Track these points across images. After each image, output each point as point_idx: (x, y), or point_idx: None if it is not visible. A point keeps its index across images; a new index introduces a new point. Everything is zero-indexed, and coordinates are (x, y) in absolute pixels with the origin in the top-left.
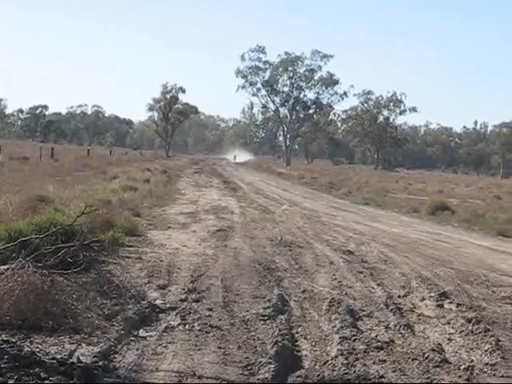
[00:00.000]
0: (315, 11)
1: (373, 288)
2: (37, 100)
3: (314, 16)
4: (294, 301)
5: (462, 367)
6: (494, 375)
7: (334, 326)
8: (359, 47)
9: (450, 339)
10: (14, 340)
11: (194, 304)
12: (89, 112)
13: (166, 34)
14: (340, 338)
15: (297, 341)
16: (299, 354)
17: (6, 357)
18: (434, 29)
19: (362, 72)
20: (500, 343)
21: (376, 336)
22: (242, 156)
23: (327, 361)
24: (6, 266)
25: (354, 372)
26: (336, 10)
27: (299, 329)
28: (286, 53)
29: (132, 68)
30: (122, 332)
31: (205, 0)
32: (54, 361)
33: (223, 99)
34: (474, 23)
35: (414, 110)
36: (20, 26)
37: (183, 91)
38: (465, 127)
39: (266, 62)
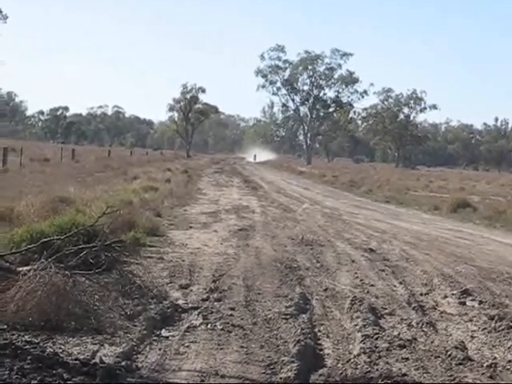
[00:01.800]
0: (335, 10)
1: (395, 286)
2: (57, 101)
3: (334, 15)
4: (316, 299)
5: (484, 364)
6: None
7: (356, 325)
8: (380, 45)
9: (472, 336)
10: (36, 341)
11: (215, 303)
12: (109, 113)
13: (186, 35)
14: (362, 336)
15: (319, 339)
16: (321, 352)
17: (29, 357)
18: (456, 26)
19: (382, 70)
20: None
21: (398, 334)
22: (263, 155)
23: (350, 359)
24: (28, 267)
25: (377, 370)
26: (358, 8)
27: (321, 327)
28: (306, 51)
29: (152, 68)
30: (145, 332)
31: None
32: (77, 361)
33: (243, 99)
34: (496, 22)
35: (434, 107)
36: (43, 28)
37: (203, 91)
38: (485, 124)
39: (285, 61)
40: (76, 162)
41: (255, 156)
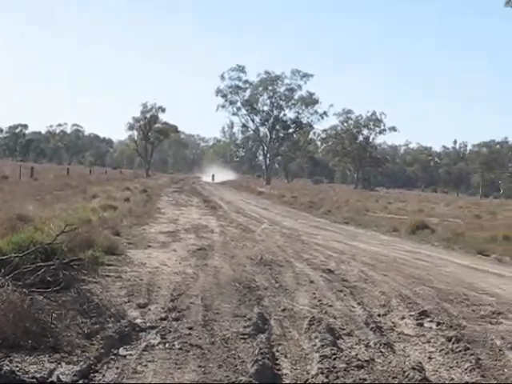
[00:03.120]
0: (296, 31)
1: (353, 307)
2: (16, 119)
3: (296, 36)
4: (275, 319)
5: None
6: None
7: (315, 345)
8: (339, 66)
9: (430, 358)
10: None
11: (174, 323)
12: (68, 131)
13: (146, 54)
14: (320, 356)
15: (277, 359)
16: (279, 372)
17: None
18: (414, 47)
19: (342, 91)
20: (480, 361)
21: (356, 354)
22: (222, 175)
23: (307, 379)
24: None
25: None
26: (317, 31)
27: (279, 347)
28: (266, 72)
29: (112, 87)
30: (102, 351)
31: (185, 19)
32: (34, 380)
33: (203, 118)
34: (451, 43)
35: (393, 129)
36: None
37: (163, 110)
38: (444, 147)
39: (245, 82)
40: (35, 180)
41: (213, 176)
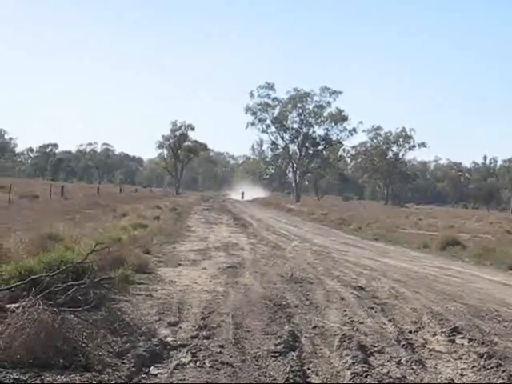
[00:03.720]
0: (322, 47)
1: (384, 324)
2: (47, 139)
3: (322, 53)
4: (305, 337)
5: None
6: None
7: (346, 362)
8: (368, 83)
9: (461, 374)
10: (24, 378)
11: (204, 341)
12: (98, 150)
13: (176, 73)
14: (351, 373)
15: (308, 377)
16: None
17: None
18: (445, 63)
19: (371, 108)
20: None
21: (388, 372)
22: (252, 193)
23: None
24: (16, 304)
25: None
26: (343, 46)
27: (310, 365)
28: (295, 89)
29: (142, 106)
30: (133, 369)
31: (210, 38)
32: None
33: (233, 136)
34: (485, 57)
35: (423, 145)
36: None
37: (192, 128)
38: (474, 162)
39: (275, 99)
40: (65, 199)
41: (243, 193)
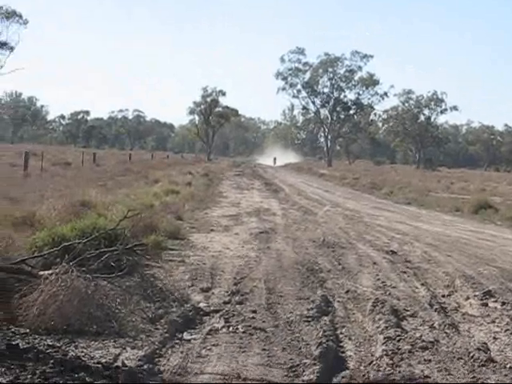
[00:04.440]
0: (354, 11)
1: (416, 288)
2: (79, 105)
3: (353, 16)
4: (338, 302)
5: (508, 366)
6: None
7: (379, 327)
8: (400, 46)
9: (495, 338)
10: (58, 345)
11: (237, 306)
12: (130, 116)
13: (206, 39)
14: (384, 338)
15: (341, 341)
16: (344, 354)
17: (51, 361)
18: (474, 27)
19: (403, 71)
20: None
21: (421, 336)
22: (284, 158)
23: (372, 361)
24: (50, 271)
25: (399, 372)
26: (378, 10)
27: (343, 329)
28: (326, 54)
29: (173, 72)
30: (167, 335)
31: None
32: (99, 365)
33: (264, 101)
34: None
35: (455, 108)
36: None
37: (223, 94)
38: (506, 125)
39: (305, 64)
40: (97, 166)
41: (275, 159)
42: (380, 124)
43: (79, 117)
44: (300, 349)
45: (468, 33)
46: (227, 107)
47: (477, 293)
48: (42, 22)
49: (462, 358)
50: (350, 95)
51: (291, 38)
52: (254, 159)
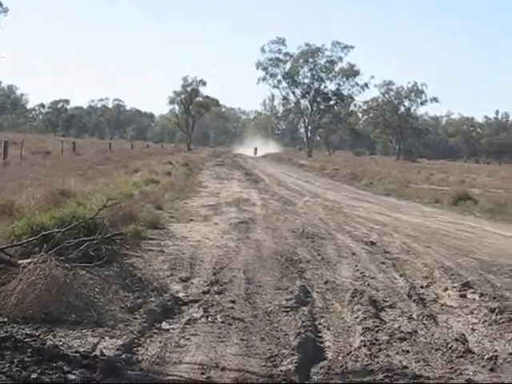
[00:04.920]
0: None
1: (395, 279)
2: (58, 94)
3: (334, 6)
4: (317, 292)
5: (485, 357)
6: None
7: (357, 317)
8: (380, 37)
9: (473, 329)
10: (37, 333)
11: (216, 296)
12: (110, 106)
13: (186, 27)
14: (363, 328)
15: (320, 332)
16: (322, 345)
17: (29, 350)
18: (457, 18)
19: (383, 62)
20: None
21: (399, 327)
22: (264, 148)
23: (350, 352)
24: (28, 260)
25: (377, 363)
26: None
27: (322, 320)
28: (307, 44)
29: (153, 61)
30: (145, 325)
31: None
32: (77, 354)
33: (244, 91)
34: (499, 16)
35: (435, 100)
36: (43, 23)
37: (204, 84)
38: (486, 117)
39: (286, 54)
40: (77, 155)
41: (256, 149)
42: (360, 115)
43: (59, 105)
44: (278, 339)
45: (448, 25)
46: (207, 97)
47: (455, 284)
48: (20, 5)
49: (440, 349)
50: (331, 86)
51: (272, 28)
52: (235, 149)
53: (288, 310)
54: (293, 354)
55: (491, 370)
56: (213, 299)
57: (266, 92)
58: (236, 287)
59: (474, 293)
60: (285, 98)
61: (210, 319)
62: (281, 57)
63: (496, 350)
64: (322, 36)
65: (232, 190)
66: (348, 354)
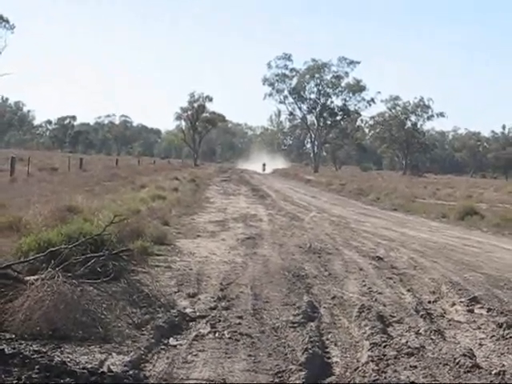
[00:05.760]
0: (341, 18)
1: (402, 294)
2: (65, 111)
3: (340, 23)
4: (324, 307)
5: (493, 372)
6: None
7: (364, 333)
8: (387, 53)
9: (480, 344)
10: (44, 350)
11: (223, 312)
12: (117, 122)
13: (191, 44)
14: (370, 344)
15: (327, 347)
16: (330, 360)
17: (36, 367)
18: (462, 34)
19: (389, 77)
20: None
21: (406, 342)
22: (271, 163)
23: (358, 367)
24: (36, 277)
25: (385, 378)
26: (360, 14)
27: (329, 335)
28: (313, 59)
29: (160, 77)
30: (153, 341)
31: (226, 7)
32: (85, 370)
33: (251, 107)
34: (505, 30)
35: (441, 115)
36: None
37: (210, 100)
38: (493, 132)
39: (292, 70)
40: (84, 171)
41: (264, 165)
42: (367, 130)
43: (66, 122)
44: (286, 355)
45: (456, 38)
46: (214, 113)
47: (463, 299)
48: (27, 22)
49: (447, 364)
50: (337, 101)
51: (278, 43)
52: (241, 165)
53: (295, 325)
54: (300, 370)
55: None
56: (220, 315)
57: (273, 107)
58: (243, 303)
59: (482, 308)
60: (291, 114)
61: (217, 335)
62: (287, 72)
63: (504, 365)
64: (328, 51)
65: (239, 205)
66: (356, 370)
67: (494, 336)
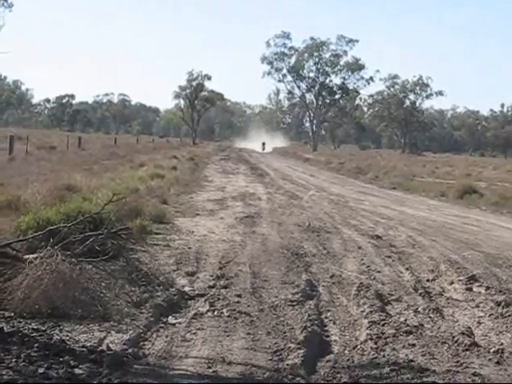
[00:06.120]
0: (341, 1)
1: (401, 272)
2: (63, 89)
3: (341, 6)
4: (323, 286)
5: (491, 350)
6: None
7: (363, 311)
8: (385, 31)
9: (479, 322)
10: (43, 328)
11: (222, 290)
12: (115, 100)
13: (191, 22)
14: (369, 322)
15: (326, 326)
16: (328, 339)
17: (36, 345)
18: (462, 12)
19: (388, 56)
20: None
21: (405, 320)
22: (270, 142)
23: (356, 345)
24: (34, 255)
25: (384, 356)
26: None
27: (328, 314)
28: (312, 38)
29: (158, 56)
30: (151, 319)
31: None
32: (84, 349)
33: (249, 86)
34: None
35: (440, 93)
36: (48, 16)
37: (209, 78)
38: (492, 110)
39: (291, 48)
40: (82, 150)
41: (264, 144)
42: (365, 109)
43: (64, 100)
44: (285, 333)
45: (455, 18)
46: (212, 91)
47: (461, 277)
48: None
49: (446, 343)
50: (336, 80)
51: (277, 22)
52: (240, 143)
53: (294, 303)
54: (299, 348)
55: (497, 363)
56: (219, 293)
57: (271, 86)
58: (242, 281)
59: (480, 286)
60: (290, 92)
61: (216, 313)
62: (286, 51)
63: (502, 344)
64: (327, 30)
65: (238, 184)
66: (354, 348)
67: (492, 314)
